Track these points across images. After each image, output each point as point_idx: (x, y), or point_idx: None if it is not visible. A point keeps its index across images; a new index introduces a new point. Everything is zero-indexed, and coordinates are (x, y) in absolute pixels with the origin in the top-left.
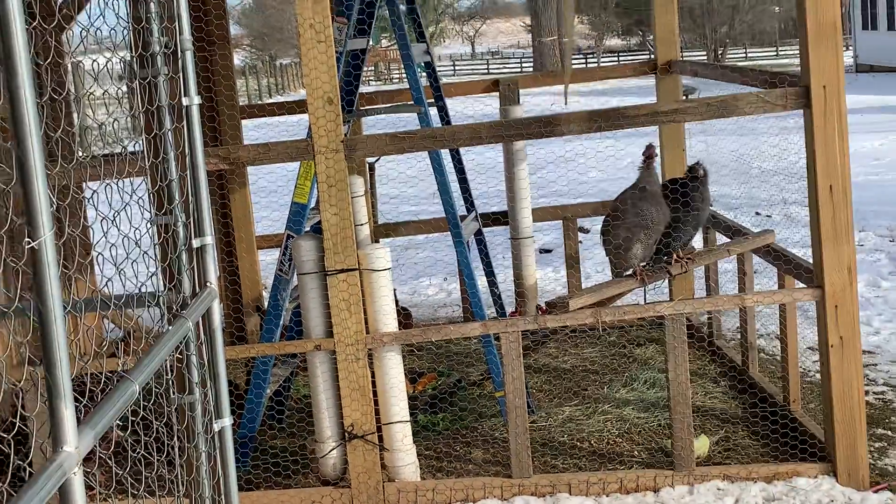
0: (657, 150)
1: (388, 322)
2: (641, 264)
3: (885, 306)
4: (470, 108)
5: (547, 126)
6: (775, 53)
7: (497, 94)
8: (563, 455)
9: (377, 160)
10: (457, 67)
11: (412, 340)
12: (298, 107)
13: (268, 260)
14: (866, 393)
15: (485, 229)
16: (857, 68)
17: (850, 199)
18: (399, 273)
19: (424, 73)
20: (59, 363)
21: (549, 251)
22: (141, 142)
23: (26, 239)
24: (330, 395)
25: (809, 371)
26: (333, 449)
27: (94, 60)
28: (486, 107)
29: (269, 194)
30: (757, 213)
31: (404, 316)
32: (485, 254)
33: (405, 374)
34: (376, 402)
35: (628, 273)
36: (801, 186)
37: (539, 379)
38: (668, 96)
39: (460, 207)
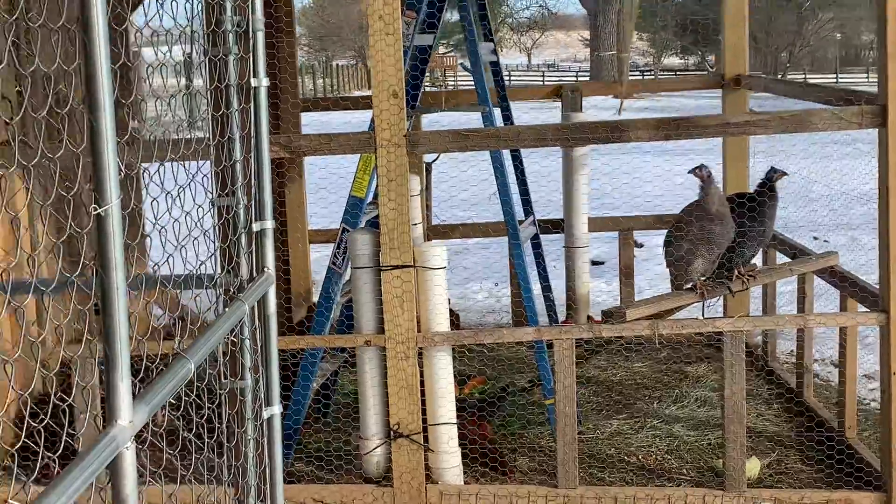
0: (708, 170)
1: (441, 322)
2: (702, 278)
3: None
4: (529, 116)
5: (615, 131)
6: (835, 80)
7: (559, 101)
8: (610, 468)
9: (435, 160)
10: (513, 77)
11: (464, 341)
12: (354, 104)
13: (316, 256)
14: None
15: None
16: None
17: None
18: (449, 276)
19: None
20: (119, 335)
21: (601, 263)
22: (206, 125)
23: (93, 205)
24: (377, 392)
25: (864, 399)
26: (378, 447)
27: (155, 52)
28: (546, 112)
29: (318, 190)
30: (815, 238)
31: (453, 319)
32: (540, 259)
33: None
34: (423, 402)
35: (688, 287)
36: (863, 211)
37: (587, 390)
38: (735, 112)
39: (518, 211)
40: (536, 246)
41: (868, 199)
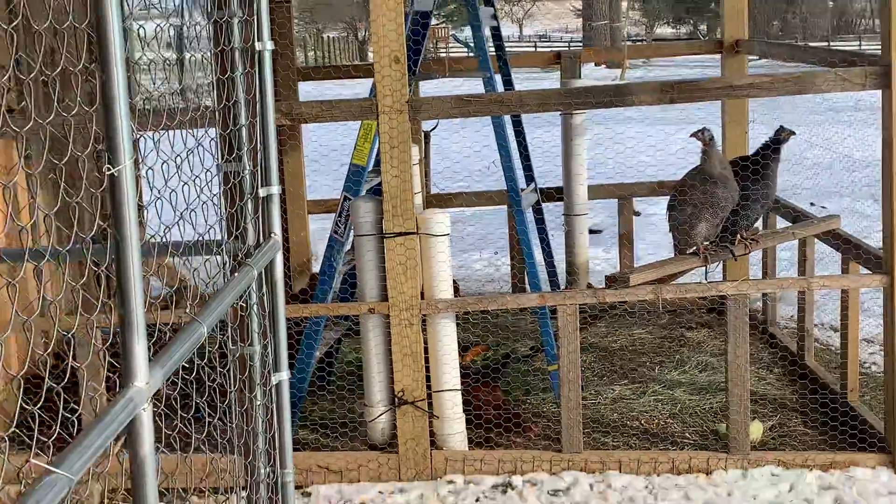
0: (710, 133)
1: (444, 289)
2: (705, 243)
3: None
4: (526, 85)
5: (618, 95)
6: (827, 46)
7: (556, 69)
8: (613, 433)
9: (433, 128)
10: (505, 48)
11: (467, 308)
12: (355, 70)
13: (314, 227)
14: None
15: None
16: None
17: None
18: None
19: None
20: (134, 296)
21: (598, 231)
22: (202, 93)
23: (106, 165)
24: (381, 360)
25: (865, 362)
26: (383, 414)
27: (140, 27)
28: (542, 82)
29: (310, 163)
30: (812, 204)
31: (455, 288)
32: (542, 227)
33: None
34: (427, 370)
35: (691, 251)
36: (859, 178)
37: (589, 357)
38: (734, 75)
39: (520, 178)
40: (538, 213)
41: (864, 165)
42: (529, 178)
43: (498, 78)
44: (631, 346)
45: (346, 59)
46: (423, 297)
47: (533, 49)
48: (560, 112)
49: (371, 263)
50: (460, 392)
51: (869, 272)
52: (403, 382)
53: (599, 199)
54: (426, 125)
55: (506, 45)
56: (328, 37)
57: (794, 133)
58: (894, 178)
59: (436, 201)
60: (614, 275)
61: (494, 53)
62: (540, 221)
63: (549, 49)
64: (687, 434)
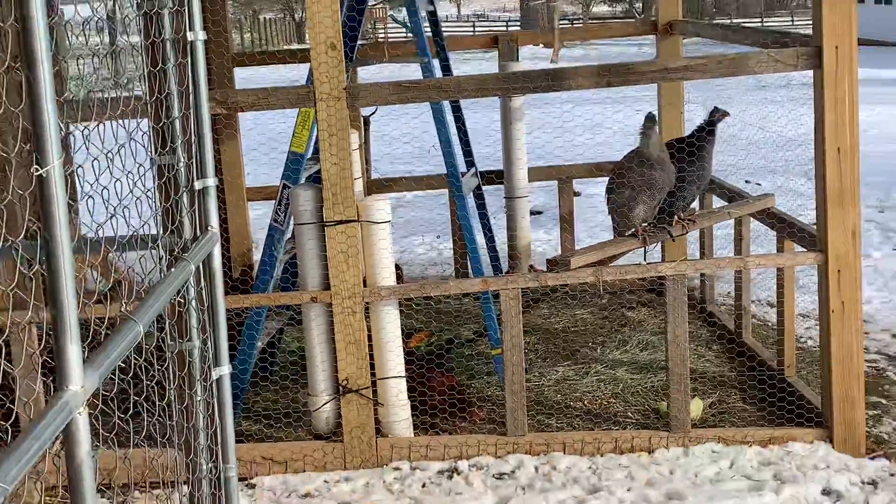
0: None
1: (387, 276)
2: (643, 224)
3: (876, 275)
4: (465, 69)
5: (555, 79)
6: (761, 23)
7: (493, 51)
8: (557, 414)
9: (372, 114)
10: (443, 29)
11: (410, 295)
12: (291, 56)
13: (254, 214)
14: None
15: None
16: None
17: (858, 163)
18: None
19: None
20: (66, 298)
21: (539, 213)
22: (136, 83)
23: (34, 167)
24: (324, 349)
25: (801, 337)
26: (327, 403)
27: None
28: (481, 63)
29: (249, 151)
30: (747, 182)
31: (397, 274)
32: (483, 211)
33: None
34: (371, 357)
35: (630, 233)
36: (791, 156)
37: (531, 339)
38: (669, 58)
39: (460, 163)
40: (479, 198)
41: (797, 144)
42: (470, 162)
43: (436, 62)
44: (573, 327)
45: (283, 41)
46: (365, 285)
47: (471, 29)
48: (499, 96)
49: (312, 252)
50: (405, 379)
51: (804, 250)
52: (347, 371)
53: (540, 182)
54: (365, 110)
55: (444, 25)
56: (265, 18)
57: (727, 114)
58: (827, 158)
59: (377, 187)
60: (556, 258)
61: (432, 37)
62: (481, 206)
63: (487, 29)
64: (629, 413)
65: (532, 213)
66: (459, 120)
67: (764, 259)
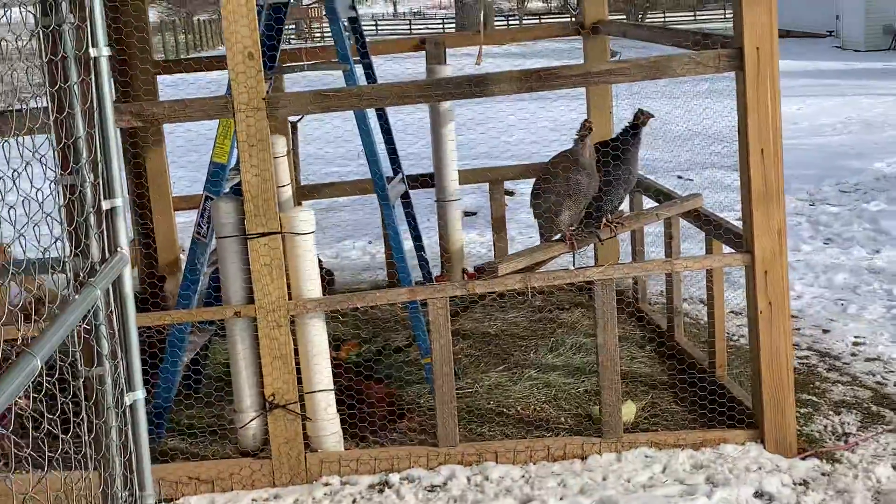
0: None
1: (311, 287)
2: (571, 228)
3: (807, 270)
4: (395, 69)
5: (478, 85)
6: (693, 17)
7: (423, 53)
8: (490, 422)
9: (300, 119)
10: (379, 27)
11: (336, 307)
12: (217, 62)
13: (186, 222)
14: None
15: (411, 192)
16: None
17: (782, 163)
18: (322, 236)
19: (349, 30)
20: None
21: (473, 213)
22: (45, 97)
23: None
24: (250, 364)
25: (734, 335)
26: (254, 419)
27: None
28: (410, 68)
29: (185, 154)
30: (679, 177)
31: (329, 280)
32: (411, 217)
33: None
34: (299, 371)
35: (557, 237)
36: (720, 150)
37: (464, 344)
38: (597, 58)
39: (387, 169)
40: (407, 205)
41: (723, 138)
42: (396, 168)
43: (360, 68)
44: (506, 331)
45: (218, 42)
46: (290, 297)
47: (408, 27)
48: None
49: (235, 266)
50: (334, 392)
51: (732, 251)
52: (274, 386)
53: (471, 184)
54: (292, 116)
55: (381, 22)
56: (198, 20)
57: (652, 116)
58: (751, 159)
59: (307, 192)
60: (483, 266)
61: (354, 44)
62: (409, 213)
63: (424, 26)
64: (563, 419)
65: (466, 213)
66: (385, 125)
67: (691, 262)
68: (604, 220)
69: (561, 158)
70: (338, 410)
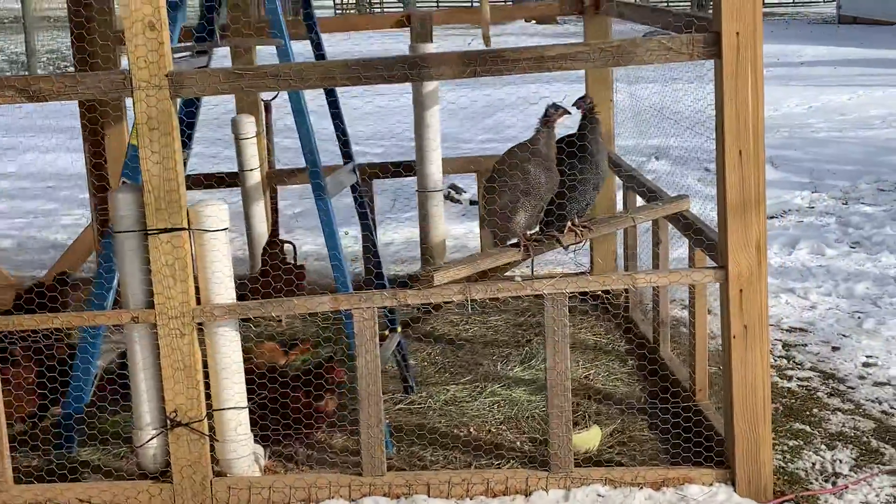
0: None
1: (222, 292)
2: (528, 232)
3: (827, 277)
4: (379, 44)
5: (413, 68)
6: None
7: (408, 29)
8: (435, 445)
9: (274, 97)
10: (313, 12)
11: (249, 314)
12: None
13: None
14: (789, 378)
15: (391, 179)
16: (840, 19)
17: (763, 167)
18: (302, 221)
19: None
20: None
21: (459, 196)
22: None
23: None
24: (151, 376)
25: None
26: (153, 437)
27: None
28: (397, 43)
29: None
30: (707, 170)
31: (298, 274)
32: (365, 211)
33: (280, 342)
34: (207, 385)
35: (512, 242)
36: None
37: (433, 350)
38: (597, 38)
39: (337, 156)
40: (359, 197)
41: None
42: (347, 154)
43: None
44: (482, 336)
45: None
46: (199, 302)
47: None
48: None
49: (134, 265)
50: (247, 409)
51: (704, 267)
52: (176, 401)
53: (455, 175)
54: (265, 94)
55: (347, 1)
56: None
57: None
58: (727, 162)
59: (283, 178)
60: (416, 273)
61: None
62: (362, 205)
63: (394, 6)
64: (518, 444)
65: (472, 202)
66: (334, 107)
67: (657, 276)
68: (568, 224)
69: (519, 148)
70: (273, 428)
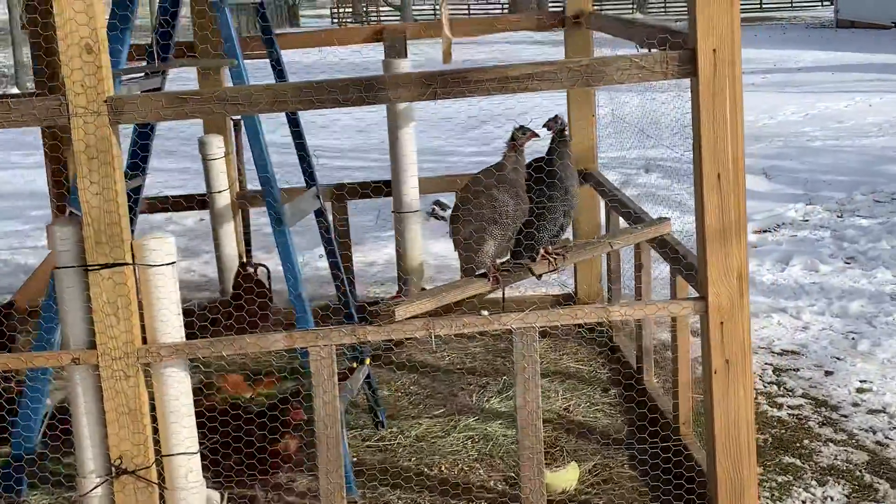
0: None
1: (170, 330)
2: (497, 261)
3: (821, 295)
4: (354, 57)
5: (369, 91)
6: (663, 8)
7: (381, 44)
8: (402, 486)
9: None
10: (272, 29)
11: (198, 354)
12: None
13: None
14: (780, 406)
15: (363, 200)
16: (838, 24)
17: (744, 191)
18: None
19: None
20: None
21: (444, 211)
22: None
23: None
24: (94, 420)
25: None
26: (97, 486)
27: None
28: (368, 58)
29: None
30: (647, 171)
31: (258, 292)
32: (329, 236)
33: (245, 375)
34: (156, 430)
35: (481, 272)
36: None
37: (407, 380)
38: (578, 53)
39: (300, 182)
40: (323, 223)
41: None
42: (309, 180)
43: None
44: (460, 365)
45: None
46: (145, 341)
47: (466, 7)
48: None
49: (75, 303)
50: (198, 455)
51: (684, 298)
52: (121, 447)
53: (433, 194)
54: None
55: (343, 9)
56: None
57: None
58: (704, 185)
59: (254, 199)
60: (377, 308)
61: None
62: (328, 230)
63: (391, 14)
64: (491, 483)
65: (437, 205)
66: (296, 128)
67: (631, 309)
68: (541, 252)
69: (481, 176)
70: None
